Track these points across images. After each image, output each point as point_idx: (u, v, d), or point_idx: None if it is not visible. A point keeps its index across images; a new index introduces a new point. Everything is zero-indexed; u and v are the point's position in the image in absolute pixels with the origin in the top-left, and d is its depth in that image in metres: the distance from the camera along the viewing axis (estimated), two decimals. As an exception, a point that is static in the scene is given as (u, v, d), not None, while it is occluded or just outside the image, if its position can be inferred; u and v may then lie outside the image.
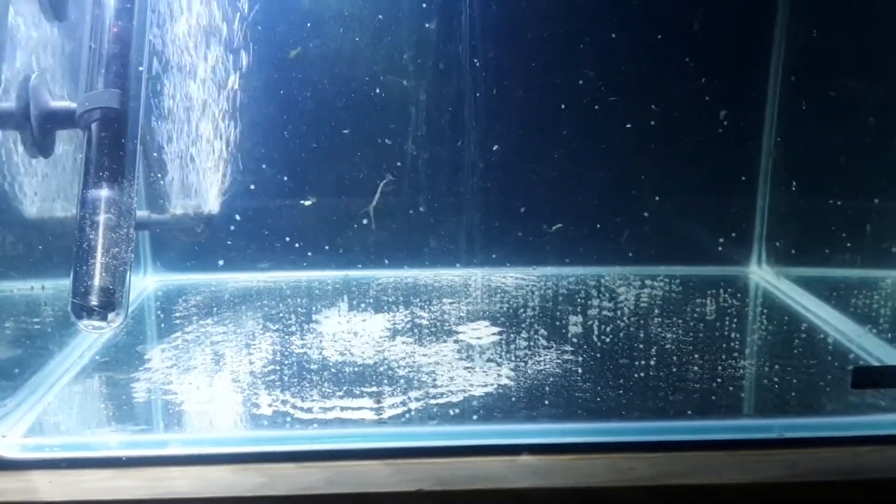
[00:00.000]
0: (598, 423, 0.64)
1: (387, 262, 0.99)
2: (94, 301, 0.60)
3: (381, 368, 0.72)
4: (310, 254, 0.98)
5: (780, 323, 0.85)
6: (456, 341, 0.78)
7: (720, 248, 1.02)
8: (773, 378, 0.72)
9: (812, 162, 0.97)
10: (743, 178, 1.01)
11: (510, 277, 0.98)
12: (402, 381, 0.69)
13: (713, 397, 0.68)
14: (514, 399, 0.67)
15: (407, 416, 0.63)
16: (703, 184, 1.01)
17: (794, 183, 0.99)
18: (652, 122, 0.98)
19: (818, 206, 0.97)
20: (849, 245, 0.94)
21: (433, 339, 0.78)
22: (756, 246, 1.01)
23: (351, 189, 0.98)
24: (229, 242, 0.96)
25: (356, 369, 0.72)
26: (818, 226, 0.97)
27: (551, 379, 0.70)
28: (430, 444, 0.59)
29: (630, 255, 1.00)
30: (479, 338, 0.79)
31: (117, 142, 0.64)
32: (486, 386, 0.69)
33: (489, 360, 0.74)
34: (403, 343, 0.78)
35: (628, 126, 0.98)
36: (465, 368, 0.72)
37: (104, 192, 0.63)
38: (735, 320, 0.85)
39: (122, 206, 0.65)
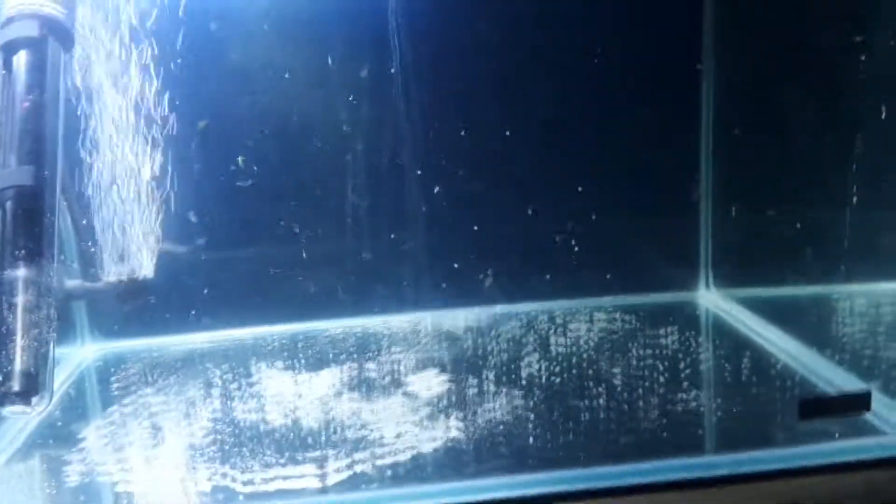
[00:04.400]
0: (547, 472, 0.62)
1: (333, 312, 0.97)
2: (15, 387, 0.58)
3: (327, 430, 0.70)
4: (253, 309, 0.96)
5: (729, 350, 0.85)
6: (405, 394, 0.76)
7: (668, 274, 1.02)
8: (724, 410, 0.71)
9: (751, 181, 0.98)
10: (685, 203, 1.02)
11: (460, 319, 0.96)
12: (347, 442, 0.67)
13: (664, 435, 0.67)
14: (462, 452, 0.65)
15: (352, 481, 0.61)
16: (645, 211, 1.01)
17: (736, 204, 0.99)
18: (590, 153, 0.98)
19: (761, 226, 0.98)
20: (794, 262, 0.94)
21: (381, 394, 0.77)
22: (703, 270, 1.01)
23: (291, 239, 0.96)
24: (166, 305, 0.93)
25: (300, 433, 0.69)
26: (762, 245, 0.98)
27: (501, 427, 0.69)
28: (375, 511, 0.57)
29: (579, 287, 1.00)
30: (428, 388, 0.78)
31: (33, 219, 0.62)
32: (434, 441, 0.67)
33: (438, 412, 0.72)
34: (350, 400, 0.76)
35: (568, 159, 0.98)
36: (413, 423, 0.70)
37: (21, 273, 0.61)
38: (685, 350, 0.84)
39: (41, 285, 0.63)
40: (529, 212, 0.98)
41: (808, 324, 0.88)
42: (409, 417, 0.71)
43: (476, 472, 0.62)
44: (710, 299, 0.98)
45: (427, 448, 0.66)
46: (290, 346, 0.91)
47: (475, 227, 0.98)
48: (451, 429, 0.69)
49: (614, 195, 0.99)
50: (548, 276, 0.99)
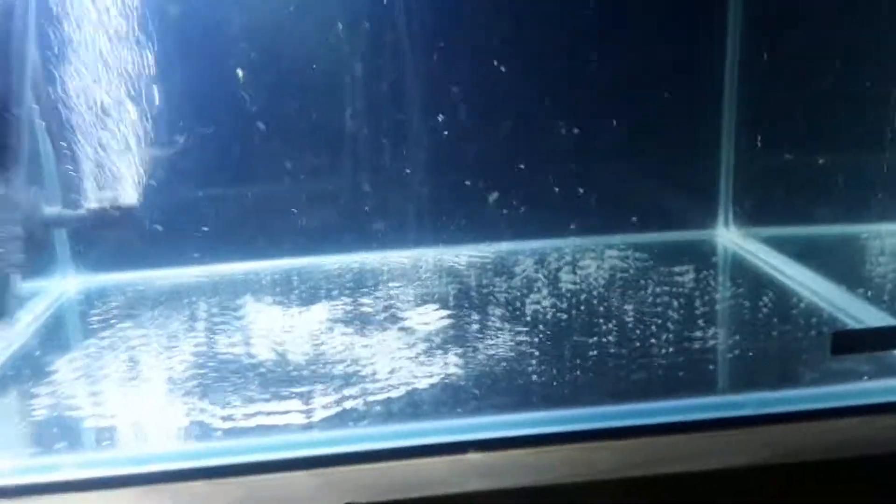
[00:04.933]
0: (554, 410, 0.57)
1: (330, 248, 0.92)
2: (-27, 311, 0.53)
3: (316, 365, 0.65)
4: (246, 244, 0.91)
5: (751, 288, 0.79)
6: (401, 329, 0.71)
7: (684, 212, 0.96)
8: (745, 349, 0.66)
9: (778, 115, 0.91)
10: (705, 137, 0.95)
11: (464, 256, 0.91)
12: (337, 378, 0.62)
13: (681, 374, 0.62)
14: (461, 390, 0.60)
15: (340, 418, 0.56)
16: (663, 145, 0.94)
17: (760, 138, 0.92)
18: (606, 83, 0.92)
19: (786, 162, 0.91)
20: (819, 201, 0.88)
21: (376, 328, 0.72)
22: (722, 207, 0.95)
23: (289, 172, 0.90)
24: (154, 237, 0.88)
25: (287, 368, 0.64)
26: (787, 182, 0.91)
27: (503, 364, 0.64)
28: (362, 449, 0.52)
29: (590, 224, 0.94)
30: (426, 323, 0.72)
31: (-3, 130, 0.57)
32: (430, 377, 0.62)
33: (436, 348, 0.67)
34: (342, 335, 0.70)
35: (581, 88, 0.92)
36: (409, 359, 0.65)
37: (-17, 187, 0.56)
38: (702, 288, 0.79)
39: (7, 200, 0.58)
40: (522, 167, 0.91)
41: (836, 262, 0.82)
42: (403, 353, 0.66)
43: (473, 409, 0.57)
44: (730, 238, 0.92)
45: (422, 384, 0.61)
46: (283, 281, 0.86)
47: (482, 162, 0.92)
48: (449, 365, 0.64)
49: (630, 129, 0.92)
50: (559, 213, 0.93)
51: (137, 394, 0.62)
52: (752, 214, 0.93)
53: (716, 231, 0.94)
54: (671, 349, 0.65)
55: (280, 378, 0.63)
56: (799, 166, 0.90)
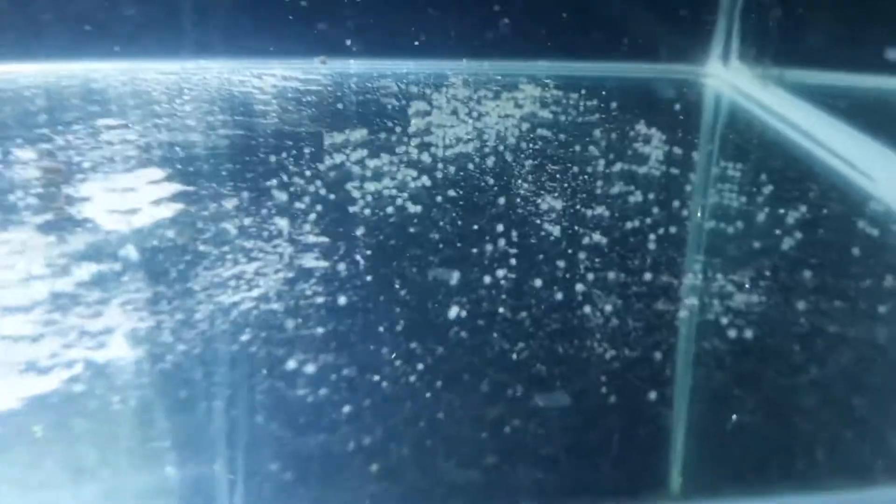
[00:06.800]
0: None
1: (41, 48, 0.52)
2: None
3: None
4: None
5: (767, 168, 0.43)
6: (54, 222, 0.33)
7: (660, 33, 0.59)
8: (759, 325, 0.30)
9: None
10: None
11: (274, 76, 0.52)
12: None
13: (630, 382, 0.26)
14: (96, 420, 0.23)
15: None
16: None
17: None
18: None
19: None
20: (881, 34, 0.52)
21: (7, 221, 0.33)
22: (721, 31, 0.58)
23: None
24: None
25: None
26: (825, 12, 0.54)
27: (246, 336, 0.27)
28: None
29: (507, 41, 0.57)
30: (130, 212, 0.34)
31: None
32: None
33: (102, 283, 0.29)
34: None
35: None
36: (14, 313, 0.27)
37: None
38: (682, 165, 0.42)
39: None
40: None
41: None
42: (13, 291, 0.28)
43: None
44: (728, 80, 0.56)
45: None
46: None
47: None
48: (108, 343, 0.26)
49: None
50: (454, 20, 0.56)
51: None
52: (771, 46, 0.56)
53: (706, 68, 0.57)
54: (620, 314, 0.29)
55: None
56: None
